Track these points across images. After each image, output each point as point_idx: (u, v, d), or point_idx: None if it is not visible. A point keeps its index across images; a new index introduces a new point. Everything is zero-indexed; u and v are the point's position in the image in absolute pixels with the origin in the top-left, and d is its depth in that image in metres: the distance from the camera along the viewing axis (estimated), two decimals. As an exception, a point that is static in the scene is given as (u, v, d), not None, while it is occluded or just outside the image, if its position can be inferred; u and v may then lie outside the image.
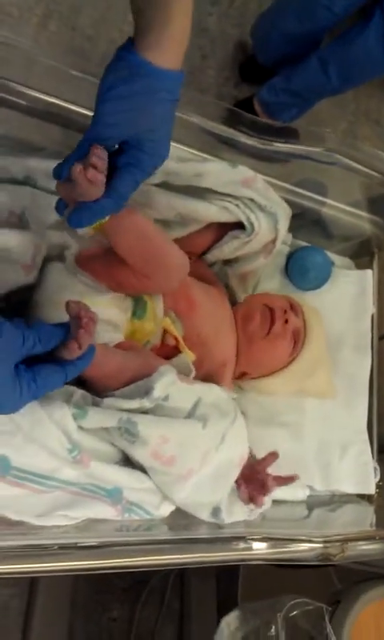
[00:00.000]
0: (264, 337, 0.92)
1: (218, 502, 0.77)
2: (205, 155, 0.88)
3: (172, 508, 0.75)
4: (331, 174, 0.97)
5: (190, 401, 0.76)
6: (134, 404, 0.71)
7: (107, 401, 0.71)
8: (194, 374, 0.83)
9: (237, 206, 0.89)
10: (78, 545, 0.68)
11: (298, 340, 0.95)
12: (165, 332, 0.84)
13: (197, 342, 0.85)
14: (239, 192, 0.88)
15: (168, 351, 0.84)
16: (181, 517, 0.76)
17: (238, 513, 0.79)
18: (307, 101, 1.79)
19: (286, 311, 0.93)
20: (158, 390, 0.72)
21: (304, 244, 1.12)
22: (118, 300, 0.81)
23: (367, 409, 1.09)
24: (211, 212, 0.87)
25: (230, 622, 1.03)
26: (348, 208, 1.05)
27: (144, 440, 0.70)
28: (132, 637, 1.46)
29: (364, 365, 1.11)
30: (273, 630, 0.96)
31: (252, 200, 0.89)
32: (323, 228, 1.08)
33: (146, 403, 0.72)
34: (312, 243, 1.13)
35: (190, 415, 0.75)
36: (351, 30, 1.61)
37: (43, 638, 1.30)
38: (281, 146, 0.88)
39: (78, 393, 0.71)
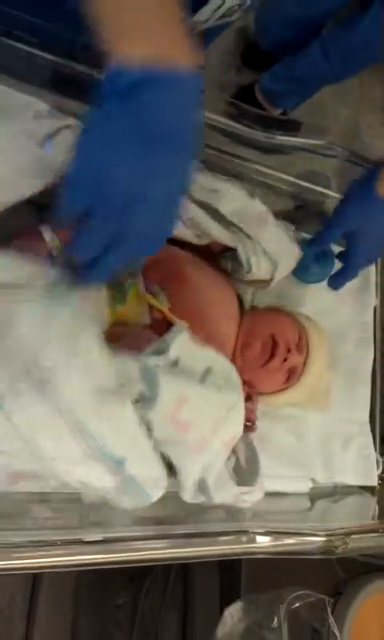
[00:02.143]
0: (258, 367, 0.91)
1: (205, 475, 0.76)
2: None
3: (162, 492, 0.73)
4: (334, 166, 0.97)
5: (200, 365, 0.75)
6: (152, 361, 0.70)
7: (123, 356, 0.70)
8: None
9: (242, 244, 0.90)
10: (83, 540, 0.69)
11: (292, 376, 0.93)
12: (151, 308, 0.83)
13: (190, 314, 0.84)
14: (250, 231, 0.89)
15: (159, 327, 0.83)
16: (157, 510, 0.76)
17: (226, 492, 0.77)
18: (309, 88, 1.79)
19: (289, 350, 0.91)
20: (174, 349, 0.72)
21: (307, 236, 1.11)
22: (91, 292, 0.80)
23: (370, 401, 1.10)
24: (222, 234, 0.88)
25: (233, 612, 1.04)
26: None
27: (162, 399, 0.69)
28: (136, 624, 1.47)
29: (367, 357, 1.11)
30: (275, 621, 0.97)
31: (259, 243, 0.90)
32: (324, 220, 1.07)
33: (162, 362, 0.71)
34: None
35: (203, 381, 0.75)
36: (352, 15, 1.60)
37: (47, 624, 1.31)
38: (283, 139, 0.88)
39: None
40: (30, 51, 0.71)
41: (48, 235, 0.72)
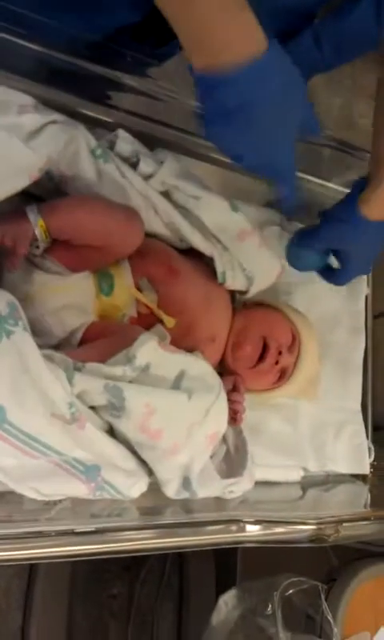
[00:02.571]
0: (249, 367, 0.91)
1: (187, 472, 0.77)
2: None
3: (143, 489, 0.74)
4: (327, 155, 0.97)
5: (173, 371, 0.76)
6: (118, 371, 0.71)
7: (89, 366, 0.71)
8: (169, 338, 0.82)
9: (220, 255, 0.90)
10: (75, 531, 0.69)
11: (283, 376, 0.94)
12: (138, 302, 0.84)
13: (179, 309, 0.84)
14: (230, 246, 0.90)
15: (146, 321, 0.83)
16: (147, 501, 0.76)
17: (211, 487, 0.78)
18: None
19: (280, 352, 0.91)
20: (141, 358, 0.72)
21: (300, 225, 1.11)
22: (79, 281, 0.80)
23: (361, 389, 1.10)
24: (203, 245, 0.89)
25: (228, 600, 1.04)
26: (341, 189, 1.04)
27: (130, 410, 0.70)
28: (132, 614, 1.48)
29: (358, 345, 1.11)
30: (269, 608, 0.97)
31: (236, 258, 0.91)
32: (316, 209, 1.07)
33: (129, 371, 0.72)
34: (308, 225, 1.12)
35: (175, 387, 0.75)
36: (344, 4, 1.59)
37: (43, 614, 1.32)
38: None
39: (57, 356, 0.70)
40: (16, 42, 0.70)
41: (32, 216, 0.72)
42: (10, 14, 0.67)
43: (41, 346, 0.67)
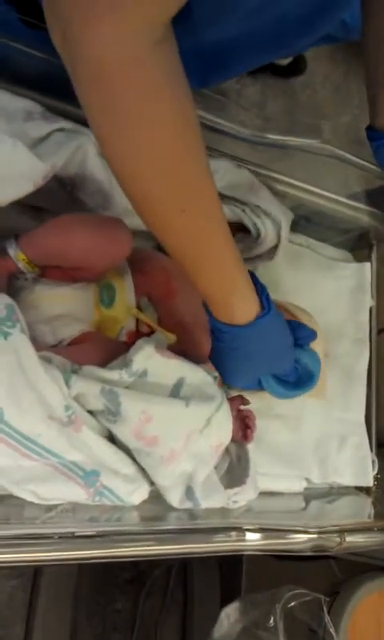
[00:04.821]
0: None
1: (190, 482, 0.77)
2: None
3: (144, 496, 0.74)
4: (328, 165, 0.97)
5: (171, 377, 0.76)
6: (114, 375, 0.71)
7: (86, 368, 0.71)
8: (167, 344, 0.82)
9: (243, 210, 0.89)
10: (76, 534, 0.69)
11: None
12: (139, 320, 0.84)
13: (176, 328, 0.84)
14: (245, 198, 0.88)
15: (145, 336, 0.84)
16: (148, 508, 0.76)
17: (215, 498, 0.78)
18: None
19: None
20: (137, 363, 0.72)
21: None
22: (79, 290, 0.80)
23: (365, 402, 1.10)
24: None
25: (230, 613, 1.04)
26: (345, 200, 1.04)
27: (125, 416, 0.70)
28: (135, 628, 1.47)
29: (362, 358, 1.11)
30: (271, 621, 0.96)
31: (258, 206, 0.89)
32: (321, 221, 1.08)
33: (125, 376, 0.72)
34: (309, 236, 1.13)
35: (174, 394, 0.75)
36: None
37: (46, 628, 1.31)
38: (275, 138, 0.88)
39: (55, 358, 0.70)
40: (22, 49, 0.71)
41: (12, 251, 0.72)
42: (14, 22, 0.68)
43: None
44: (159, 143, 0.54)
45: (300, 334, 0.80)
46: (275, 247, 0.94)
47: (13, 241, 0.73)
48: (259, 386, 0.80)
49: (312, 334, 0.81)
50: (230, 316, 0.71)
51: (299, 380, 0.82)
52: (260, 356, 0.76)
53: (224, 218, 0.64)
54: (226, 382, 0.81)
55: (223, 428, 0.80)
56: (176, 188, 0.58)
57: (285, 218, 0.92)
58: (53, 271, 0.77)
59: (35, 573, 1.37)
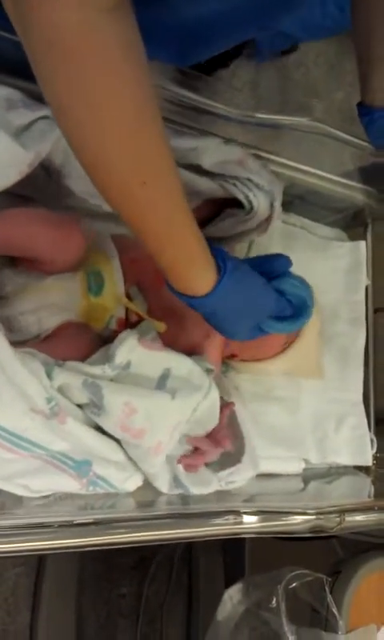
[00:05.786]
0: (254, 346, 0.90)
1: (175, 471, 0.77)
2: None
3: (139, 483, 0.74)
4: (321, 144, 0.96)
5: (156, 369, 0.75)
6: (97, 370, 0.71)
7: (69, 364, 0.71)
8: (154, 333, 0.82)
9: (234, 184, 0.87)
10: (75, 522, 0.68)
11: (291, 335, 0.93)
12: (128, 309, 0.83)
13: (167, 316, 0.84)
14: (235, 172, 0.87)
15: (134, 324, 0.84)
16: (145, 493, 0.76)
17: (206, 485, 0.78)
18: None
19: None
20: (120, 356, 0.72)
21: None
22: (64, 280, 0.79)
23: (362, 381, 1.09)
24: (212, 187, 0.86)
25: (233, 595, 1.04)
26: (339, 179, 1.03)
27: (109, 409, 0.69)
28: (141, 612, 1.48)
29: (359, 337, 1.10)
30: (274, 601, 0.97)
31: (249, 179, 0.87)
32: (314, 200, 1.06)
33: (108, 370, 0.72)
34: (303, 215, 1.12)
35: (159, 387, 0.75)
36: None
37: (52, 615, 1.32)
38: (264, 117, 0.86)
39: (40, 355, 0.70)
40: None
41: None
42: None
43: (11, 343, 0.66)
44: (115, 110, 0.53)
45: (270, 267, 0.79)
46: (267, 219, 0.92)
47: None
48: (263, 332, 0.80)
49: (282, 260, 0.80)
50: (192, 288, 0.70)
51: (296, 310, 0.81)
52: (239, 311, 0.74)
53: (183, 190, 0.63)
54: (229, 338, 0.80)
55: (210, 415, 0.80)
56: (136, 159, 0.57)
57: (277, 187, 0.90)
58: (22, 260, 0.77)
59: (40, 560, 1.38)
